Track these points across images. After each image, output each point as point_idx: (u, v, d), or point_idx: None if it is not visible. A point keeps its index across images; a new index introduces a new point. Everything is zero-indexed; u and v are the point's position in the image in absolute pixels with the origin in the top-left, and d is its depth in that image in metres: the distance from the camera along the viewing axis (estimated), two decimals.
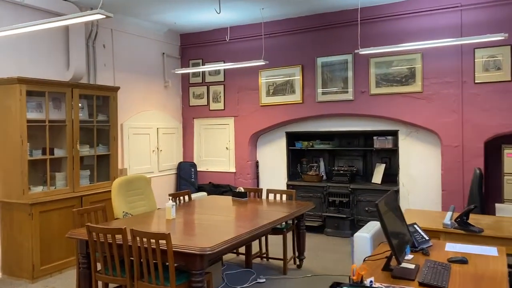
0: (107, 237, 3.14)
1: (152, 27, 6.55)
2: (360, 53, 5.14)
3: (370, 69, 5.84)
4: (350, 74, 5.98)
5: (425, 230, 3.01)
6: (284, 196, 4.97)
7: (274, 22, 6.43)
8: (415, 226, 2.97)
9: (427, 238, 2.90)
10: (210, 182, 7.06)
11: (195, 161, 7.23)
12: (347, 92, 6.01)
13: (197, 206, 4.54)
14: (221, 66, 6.06)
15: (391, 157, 6.40)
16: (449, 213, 3.30)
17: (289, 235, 4.88)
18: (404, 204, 5.87)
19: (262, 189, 5.12)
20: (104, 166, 5.36)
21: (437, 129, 5.50)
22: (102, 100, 5.41)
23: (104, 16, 3.26)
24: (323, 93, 6.17)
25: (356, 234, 3.57)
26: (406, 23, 5.60)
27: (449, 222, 3.23)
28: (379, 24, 5.75)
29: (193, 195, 5.45)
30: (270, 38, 6.46)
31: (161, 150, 6.78)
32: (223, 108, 6.99)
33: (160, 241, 2.90)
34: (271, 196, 5.02)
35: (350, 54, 5.95)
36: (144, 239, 2.97)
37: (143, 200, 4.44)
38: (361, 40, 5.66)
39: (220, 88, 7.00)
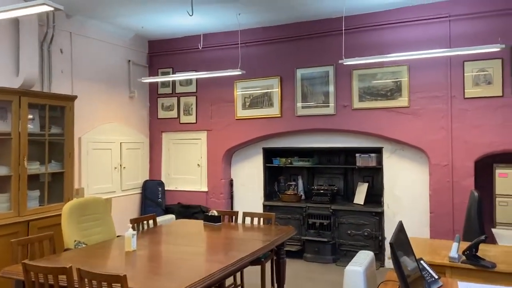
0: (48, 278, 2.53)
1: (117, 31, 5.99)
2: (344, 63, 4.75)
3: (353, 82, 5.46)
4: (331, 87, 5.57)
5: (429, 265, 2.56)
6: (262, 220, 4.45)
7: (251, 30, 5.99)
8: (422, 262, 2.51)
9: (436, 276, 2.45)
10: (179, 203, 6.46)
11: (162, 179, 6.63)
12: (328, 106, 5.60)
13: (164, 233, 3.96)
14: (193, 75, 5.56)
15: (373, 175, 6.02)
16: (455, 244, 2.86)
17: (268, 263, 4.34)
18: (390, 227, 5.45)
19: (237, 212, 4.59)
20: (57, 186, 4.70)
21: (424, 146, 5.14)
22: (59, 110, 4.78)
23: (52, 8, 2.71)
24: (303, 107, 5.74)
25: (347, 268, 3.10)
26: (392, 33, 5.26)
27: (456, 255, 2.80)
28: (363, 35, 5.39)
29: (160, 218, 4.88)
30: (246, 47, 6.01)
31: (124, 167, 6.15)
32: (195, 121, 6.45)
33: (114, 285, 2.33)
34: (247, 220, 4.49)
35: (331, 66, 5.56)
36: (94, 282, 2.39)
37: (99, 227, 3.82)
38: (344, 51, 5.28)
39: (192, 100, 6.47)
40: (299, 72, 5.75)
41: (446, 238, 5.00)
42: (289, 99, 5.83)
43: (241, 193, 6.39)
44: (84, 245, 3.50)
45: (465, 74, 4.92)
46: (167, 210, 6.36)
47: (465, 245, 3.08)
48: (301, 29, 5.72)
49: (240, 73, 5.21)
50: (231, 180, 6.44)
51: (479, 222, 3.64)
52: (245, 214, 4.51)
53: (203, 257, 3.15)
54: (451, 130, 5.00)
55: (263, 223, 4.43)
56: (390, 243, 1.80)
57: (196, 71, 6.28)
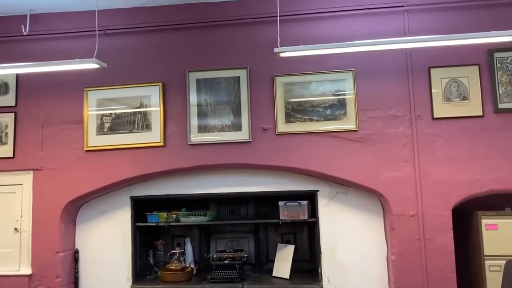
0: None
1: None
2: (281, 55, 2.93)
3: (276, 94, 3.65)
4: (244, 100, 3.67)
5: None
6: None
7: (115, 12, 3.83)
8: None
9: None
10: None
11: None
12: (240, 129, 3.66)
13: None
14: (9, 68, 3.10)
15: (296, 232, 4.22)
16: None
17: None
18: None
19: None
20: None
21: (381, 188, 3.51)
22: None
23: None
24: (201, 131, 3.68)
25: None
26: (334, 25, 3.68)
27: None
28: (297, 25, 3.68)
29: None
30: (107, 37, 3.79)
31: None
32: (11, 156, 3.85)
33: None
34: None
35: (244, 70, 3.69)
36: None
37: None
38: (262, 48, 3.49)
39: (8, 119, 3.87)
40: (194, 77, 3.72)
41: None
42: (178, 118, 3.71)
43: (93, 273, 3.90)
44: None
45: (432, 86, 3.52)
46: None
47: None
48: (196, 13, 3.77)
49: (97, 66, 2.98)
50: (76, 252, 3.92)
51: None
52: None
53: None
54: (418, 164, 3.49)
55: None
56: None
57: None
